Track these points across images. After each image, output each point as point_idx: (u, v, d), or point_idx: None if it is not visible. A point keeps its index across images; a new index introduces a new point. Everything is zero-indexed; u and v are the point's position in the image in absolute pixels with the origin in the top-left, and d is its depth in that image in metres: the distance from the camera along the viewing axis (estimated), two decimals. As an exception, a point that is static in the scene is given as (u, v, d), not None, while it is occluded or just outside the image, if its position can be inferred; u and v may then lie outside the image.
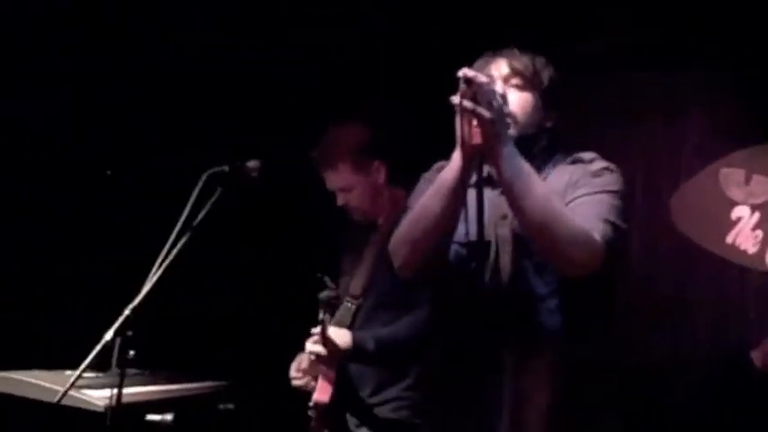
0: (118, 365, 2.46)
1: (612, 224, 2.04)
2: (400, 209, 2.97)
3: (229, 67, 4.20)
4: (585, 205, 2.07)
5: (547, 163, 2.23)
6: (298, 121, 3.87)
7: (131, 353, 2.47)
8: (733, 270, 4.60)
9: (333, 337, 2.78)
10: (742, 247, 4.67)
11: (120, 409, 2.49)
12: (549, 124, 2.25)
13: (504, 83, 2.20)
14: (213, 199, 2.64)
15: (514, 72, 2.21)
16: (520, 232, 2.11)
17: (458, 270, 2.20)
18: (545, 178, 2.18)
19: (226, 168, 2.71)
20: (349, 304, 2.97)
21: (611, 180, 2.14)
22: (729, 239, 4.68)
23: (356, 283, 2.98)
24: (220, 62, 4.15)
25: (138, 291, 2.52)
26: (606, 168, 2.17)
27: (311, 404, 2.86)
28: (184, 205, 2.63)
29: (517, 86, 2.21)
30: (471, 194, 2.13)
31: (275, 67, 4.21)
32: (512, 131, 2.12)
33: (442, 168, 2.16)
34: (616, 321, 2.26)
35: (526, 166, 2.03)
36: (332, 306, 2.83)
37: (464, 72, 1.97)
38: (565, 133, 2.32)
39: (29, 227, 3.92)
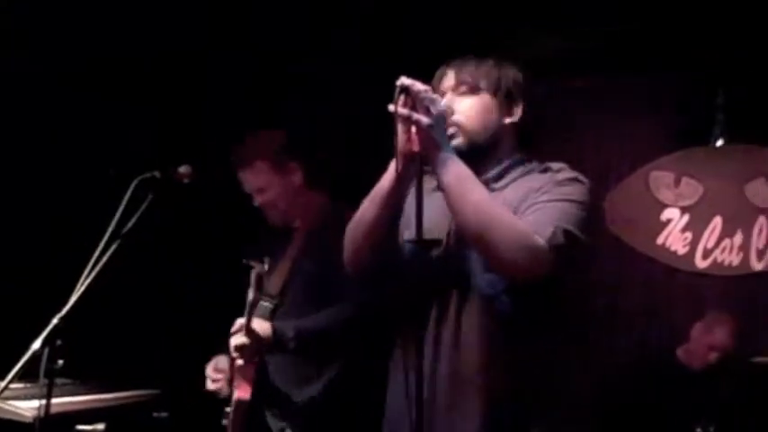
0: (46, 375, 2.41)
1: (565, 231, 2.01)
2: (319, 212, 3.03)
3: (163, 69, 4.17)
4: (540, 211, 2.06)
5: (515, 169, 2.22)
6: (228, 126, 3.87)
7: (60, 362, 2.43)
8: (662, 271, 4.71)
9: (254, 327, 2.79)
10: (672, 248, 4.77)
11: (49, 420, 2.44)
12: (507, 121, 2.22)
13: (453, 93, 2.21)
14: (144, 206, 2.61)
15: (459, 81, 2.21)
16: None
17: (410, 268, 2.21)
18: (507, 185, 2.18)
19: (157, 174, 2.68)
20: (267, 303, 2.97)
21: (576, 190, 2.12)
22: (660, 241, 4.78)
23: (274, 282, 3.00)
24: (153, 64, 4.13)
25: (67, 299, 2.48)
26: (573, 179, 2.15)
27: (232, 404, 2.85)
28: (114, 211, 2.59)
29: (463, 93, 2.21)
30: (437, 197, 2.14)
31: (206, 70, 4.20)
32: (458, 140, 2.15)
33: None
34: (569, 327, 2.23)
35: (464, 172, 2.04)
36: (262, 288, 2.84)
37: (401, 80, 2.00)
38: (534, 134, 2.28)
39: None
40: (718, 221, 4.70)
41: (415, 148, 2.04)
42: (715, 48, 4.27)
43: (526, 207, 2.08)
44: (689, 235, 4.76)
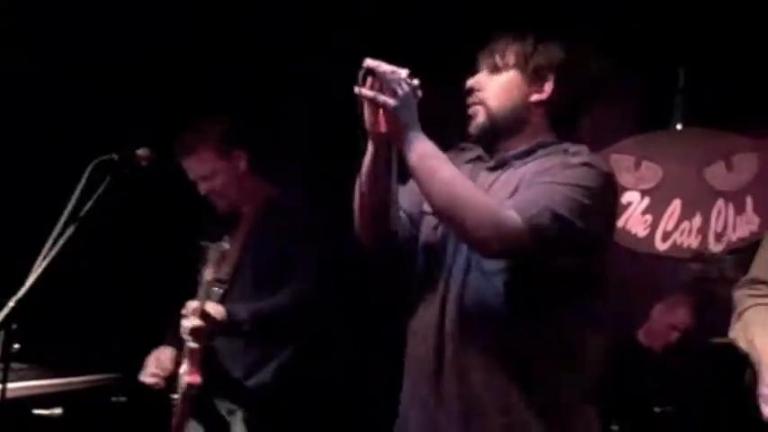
0: (2, 360, 2.37)
1: (553, 213, 1.95)
2: (266, 198, 3.03)
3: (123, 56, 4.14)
4: (532, 191, 2.02)
5: (541, 149, 2.17)
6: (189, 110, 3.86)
7: (16, 346, 2.40)
8: (623, 253, 4.74)
9: (207, 309, 2.78)
10: (633, 231, 4.81)
11: (5, 405, 2.40)
12: (535, 98, 2.17)
13: (486, 71, 2.20)
14: (101, 189, 2.58)
15: (491, 59, 2.20)
16: None
17: (423, 243, 2.24)
18: (526, 164, 2.15)
19: (115, 156, 2.64)
20: (217, 288, 2.96)
21: (584, 175, 2.04)
22: (620, 223, 4.81)
23: (223, 268, 2.99)
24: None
25: (23, 282, 2.44)
26: (585, 164, 2.07)
27: (180, 389, 2.84)
28: (71, 194, 2.56)
29: (493, 71, 2.19)
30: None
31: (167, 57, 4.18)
32: (480, 119, 2.16)
33: (461, 149, 2.26)
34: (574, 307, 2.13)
35: (430, 150, 2.03)
36: (221, 267, 2.83)
37: (367, 62, 2.00)
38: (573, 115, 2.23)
39: None
40: (677, 204, 4.74)
41: (383, 129, 2.05)
42: (676, 32, 4.30)
43: (525, 187, 2.06)
44: (649, 218, 4.80)
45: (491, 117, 2.17)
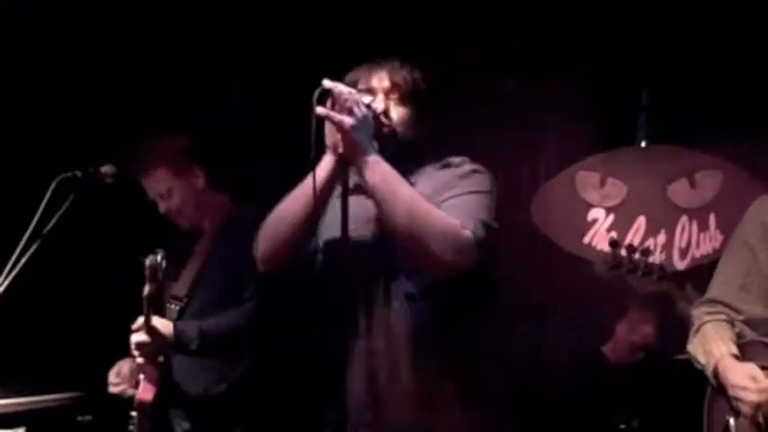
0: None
1: (483, 222, 2.08)
2: (225, 213, 3.02)
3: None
4: (455, 206, 2.11)
5: (416, 168, 2.27)
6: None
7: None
8: (588, 269, 4.76)
9: (155, 325, 2.76)
10: (598, 247, 4.83)
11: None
12: (424, 131, 2.29)
13: (385, 96, 2.23)
14: (65, 206, 2.57)
15: (394, 86, 2.25)
16: (385, 235, 2.15)
17: (334, 274, 2.25)
18: (413, 183, 2.21)
19: (78, 173, 2.64)
20: (173, 306, 2.95)
21: (480, 181, 2.19)
22: (586, 240, 4.85)
23: (180, 285, 2.98)
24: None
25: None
26: (475, 170, 2.23)
27: (135, 405, 2.82)
28: (35, 211, 2.55)
29: (397, 101, 2.25)
30: (353, 200, 2.16)
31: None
32: (394, 142, 2.22)
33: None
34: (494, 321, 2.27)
35: (391, 172, 2.07)
36: (158, 280, 2.80)
37: (324, 82, 2.03)
38: (436, 138, 2.36)
39: None
40: (642, 221, 4.78)
41: (340, 149, 2.06)
42: (640, 50, 4.35)
43: (437, 204, 2.12)
44: (614, 234, 4.83)
45: (404, 145, 2.24)
